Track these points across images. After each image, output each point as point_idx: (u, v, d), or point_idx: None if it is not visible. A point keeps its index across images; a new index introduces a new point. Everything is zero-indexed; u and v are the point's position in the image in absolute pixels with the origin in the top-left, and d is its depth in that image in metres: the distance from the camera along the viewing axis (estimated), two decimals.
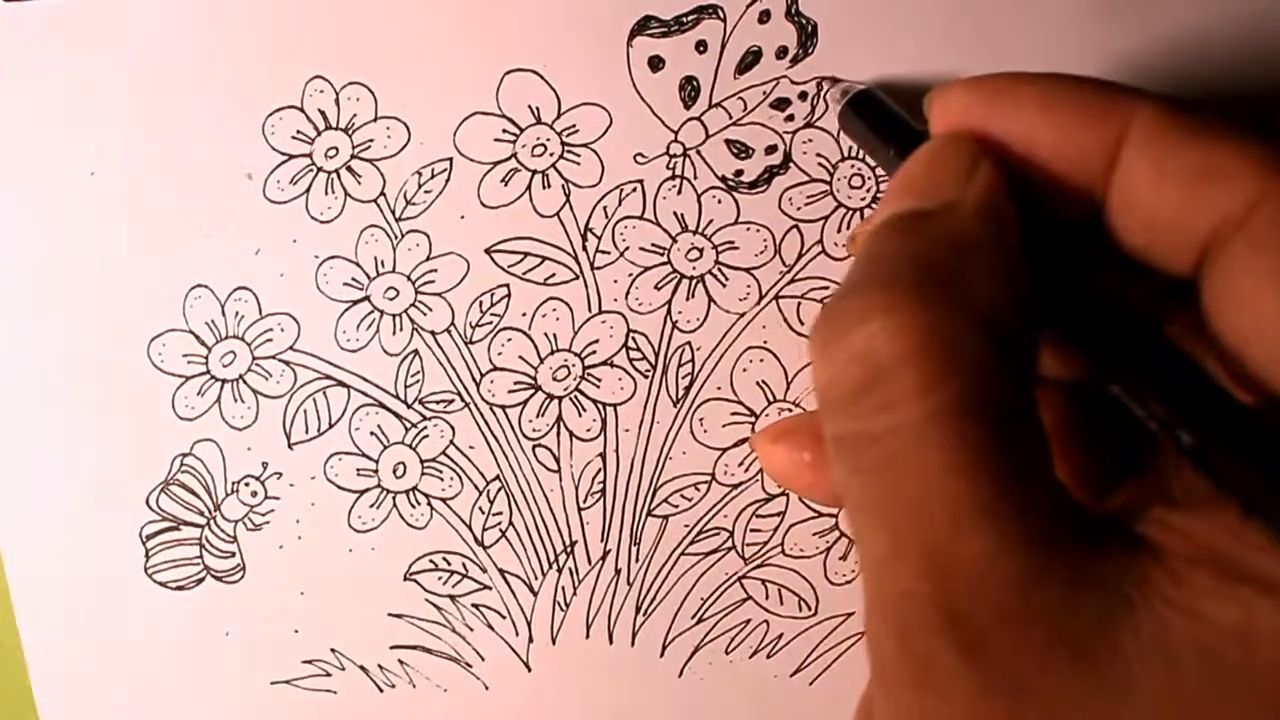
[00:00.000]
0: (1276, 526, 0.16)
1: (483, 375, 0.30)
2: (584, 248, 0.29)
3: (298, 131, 0.29)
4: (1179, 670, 0.16)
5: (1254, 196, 0.17)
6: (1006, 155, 0.20)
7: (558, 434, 0.30)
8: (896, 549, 0.17)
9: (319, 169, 0.29)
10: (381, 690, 0.31)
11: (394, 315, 0.30)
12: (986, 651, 0.16)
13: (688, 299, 0.29)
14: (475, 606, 0.30)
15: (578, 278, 0.29)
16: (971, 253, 0.18)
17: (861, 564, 0.18)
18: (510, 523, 0.30)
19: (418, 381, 0.30)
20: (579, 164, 0.29)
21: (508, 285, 0.29)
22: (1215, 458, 0.17)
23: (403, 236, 0.29)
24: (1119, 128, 0.19)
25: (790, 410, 0.29)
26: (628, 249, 0.29)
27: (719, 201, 0.29)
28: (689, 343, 0.29)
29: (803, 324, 0.29)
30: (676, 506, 0.30)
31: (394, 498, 0.30)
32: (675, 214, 0.29)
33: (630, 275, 0.29)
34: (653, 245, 0.29)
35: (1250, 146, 0.18)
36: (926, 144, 0.21)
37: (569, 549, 0.30)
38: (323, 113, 0.29)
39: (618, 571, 0.30)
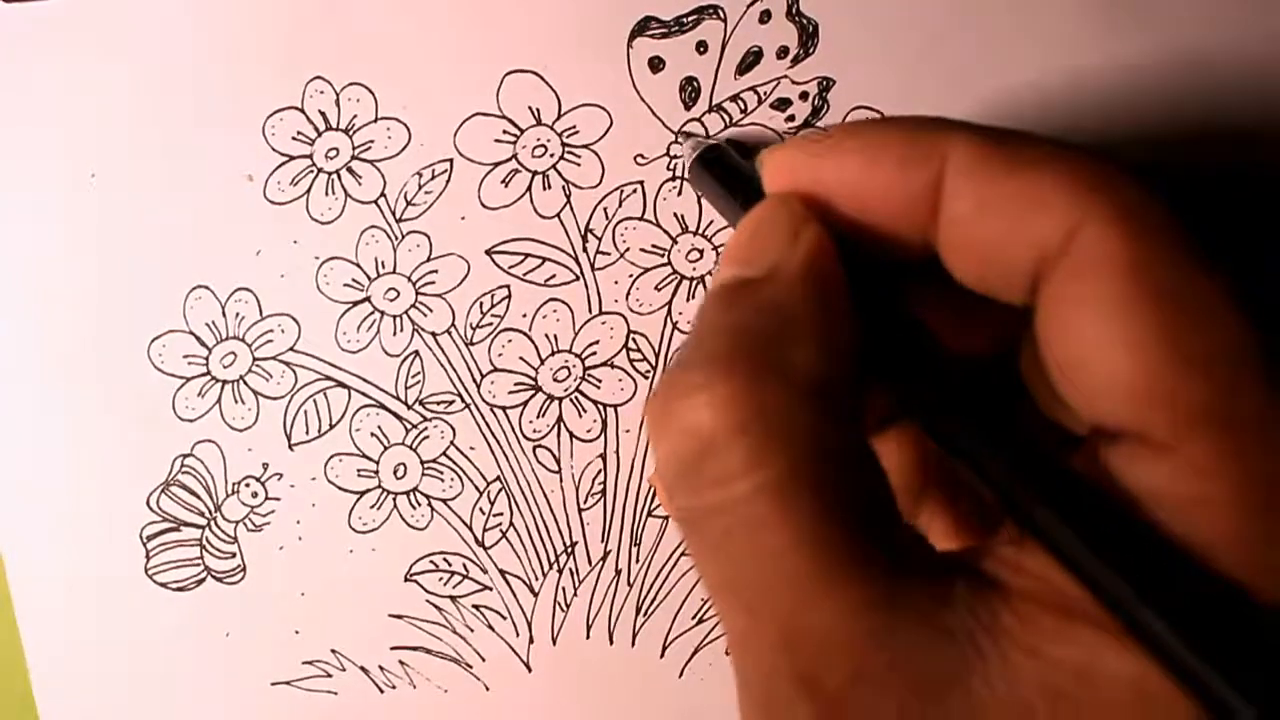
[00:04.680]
0: (1085, 577, 0.16)
1: (483, 376, 0.30)
2: (584, 249, 0.29)
3: (298, 132, 0.29)
4: (1030, 713, 0.16)
5: (1071, 224, 0.17)
6: (837, 211, 0.20)
7: (558, 435, 0.30)
8: (752, 624, 0.17)
9: (319, 170, 0.29)
10: (382, 691, 0.31)
11: (394, 316, 0.30)
12: (846, 715, 0.16)
13: (688, 300, 0.29)
14: (476, 607, 0.30)
15: (578, 279, 0.29)
16: (793, 319, 0.18)
17: (727, 640, 0.18)
18: (511, 523, 0.30)
19: (418, 382, 0.30)
20: (579, 165, 0.29)
21: (508, 286, 0.29)
22: (1019, 513, 0.17)
23: (403, 237, 0.29)
24: (938, 167, 0.19)
25: None
26: (628, 250, 0.29)
27: None
28: None
29: None
30: None
31: (394, 498, 0.30)
32: (676, 215, 0.29)
33: (631, 276, 0.29)
34: (653, 246, 0.29)
35: (1067, 172, 0.17)
36: (754, 209, 0.21)
37: (569, 550, 0.30)
38: (323, 114, 0.29)
39: (618, 572, 0.30)
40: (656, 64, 0.29)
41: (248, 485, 0.30)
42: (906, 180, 0.19)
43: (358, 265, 0.29)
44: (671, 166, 0.29)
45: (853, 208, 0.20)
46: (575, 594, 0.30)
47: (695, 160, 0.27)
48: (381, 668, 0.31)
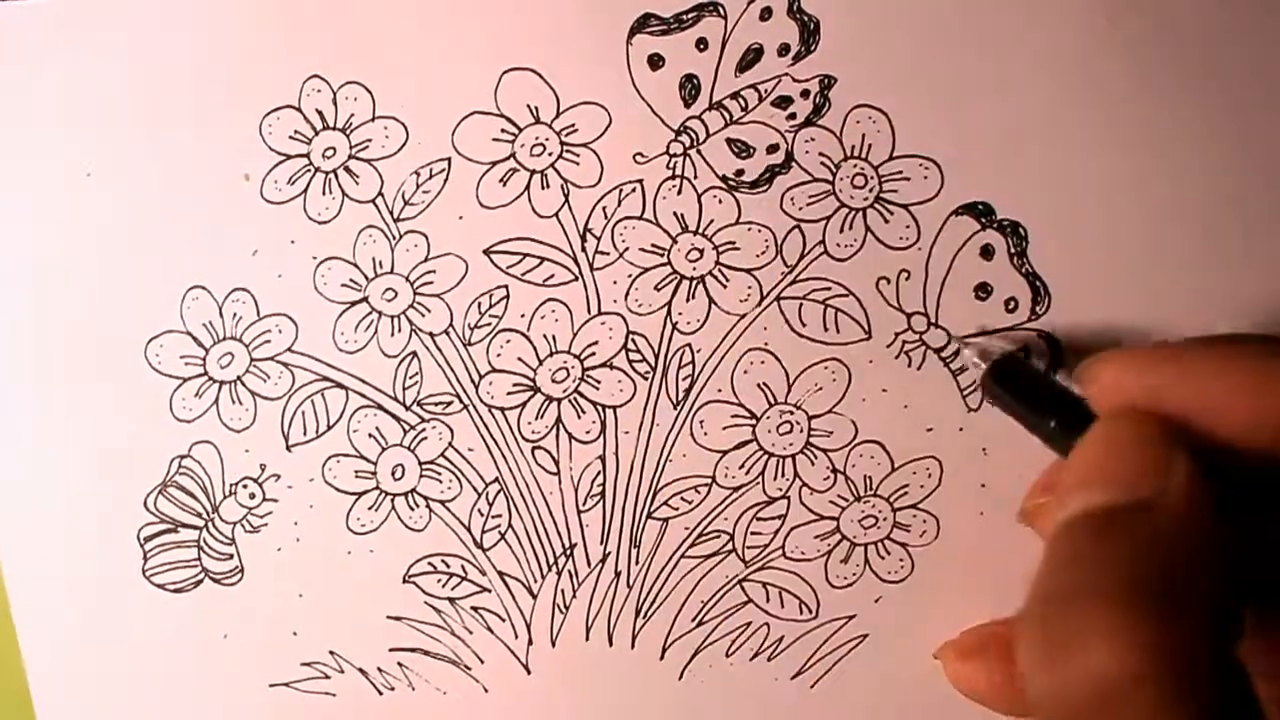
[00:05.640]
0: None
1: (481, 377, 0.29)
2: (583, 248, 0.29)
3: (295, 131, 0.29)
4: None
5: None
6: (1188, 428, 0.19)
7: (557, 436, 0.30)
8: None
9: (316, 169, 0.29)
10: (380, 693, 0.30)
11: (392, 316, 0.29)
12: None
13: (688, 300, 0.29)
14: (474, 609, 0.30)
15: (577, 279, 0.29)
16: (1186, 555, 0.18)
17: None
18: (509, 525, 0.30)
19: (416, 383, 0.29)
20: (578, 164, 0.29)
21: (506, 286, 0.29)
22: None
23: (401, 237, 0.29)
24: None
25: (791, 414, 0.29)
26: (627, 249, 0.29)
27: (720, 201, 0.29)
28: (689, 344, 0.29)
29: (804, 325, 0.29)
30: (676, 509, 0.30)
31: (393, 500, 0.30)
32: (675, 214, 0.29)
33: (630, 276, 0.29)
34: (652, 246, 0.29)
35: None
36: (1103, 426, 0.20)
37: (568, 551, 0.30)
38: (320, 112, 0.29)
39: (617, 574, 0.30)
40: (656, 61, 0.28)
41: (245, 486, 0.30)
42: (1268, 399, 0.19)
43: (355, 265, 0.29)
44: (671, 165, 0.29)
45: (1206, 426, 0.19)
46: (574, 596, 0.30)
47: (989, 373, 0.26)
48: (380, 669, 0.30)
